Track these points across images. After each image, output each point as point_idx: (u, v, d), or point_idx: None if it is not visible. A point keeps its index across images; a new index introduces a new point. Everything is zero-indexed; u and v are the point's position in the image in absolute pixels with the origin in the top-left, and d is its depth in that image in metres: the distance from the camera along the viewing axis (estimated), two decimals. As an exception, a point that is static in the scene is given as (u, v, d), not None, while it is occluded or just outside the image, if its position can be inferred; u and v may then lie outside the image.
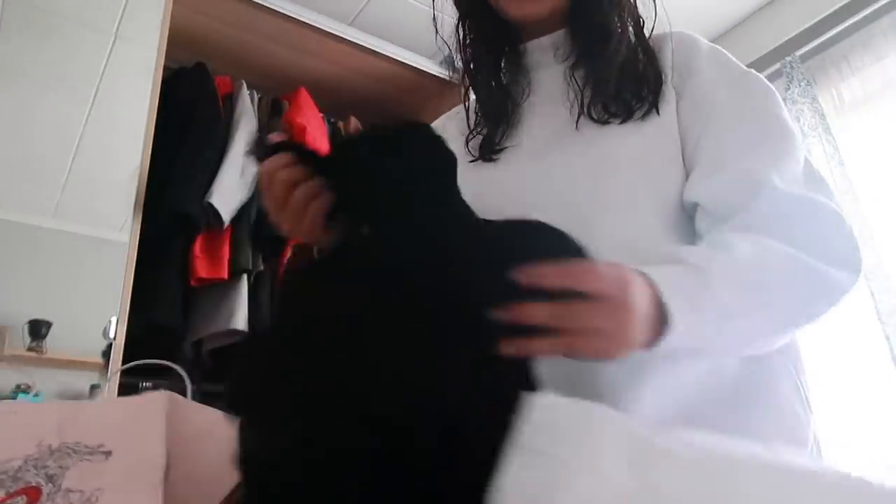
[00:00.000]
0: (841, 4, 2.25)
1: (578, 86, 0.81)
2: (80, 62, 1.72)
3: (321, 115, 2.27)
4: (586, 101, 0.80)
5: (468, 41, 0.91)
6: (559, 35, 0.86)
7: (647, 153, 0.76)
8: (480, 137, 0.87)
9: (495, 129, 0.86)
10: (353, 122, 2.34)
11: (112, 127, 1.75)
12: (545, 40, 0.86)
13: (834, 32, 2.27)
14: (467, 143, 0.87)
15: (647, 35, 0.85)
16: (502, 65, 0.91)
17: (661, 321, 0.54)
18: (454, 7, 0.92)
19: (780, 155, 0.74)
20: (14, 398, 1.35)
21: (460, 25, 0.91)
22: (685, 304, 0.55)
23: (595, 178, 0.75)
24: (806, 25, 2.34)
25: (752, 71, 0.85)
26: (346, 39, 2.13)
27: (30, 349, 1.51)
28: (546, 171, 0.79)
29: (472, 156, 0.85)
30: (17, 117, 1.58)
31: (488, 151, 0.84)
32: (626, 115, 0.77)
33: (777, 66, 2.39)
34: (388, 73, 2.23)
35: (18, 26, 1.61)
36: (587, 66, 0.82)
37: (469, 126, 0.90)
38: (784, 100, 2.30)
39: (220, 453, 0.51)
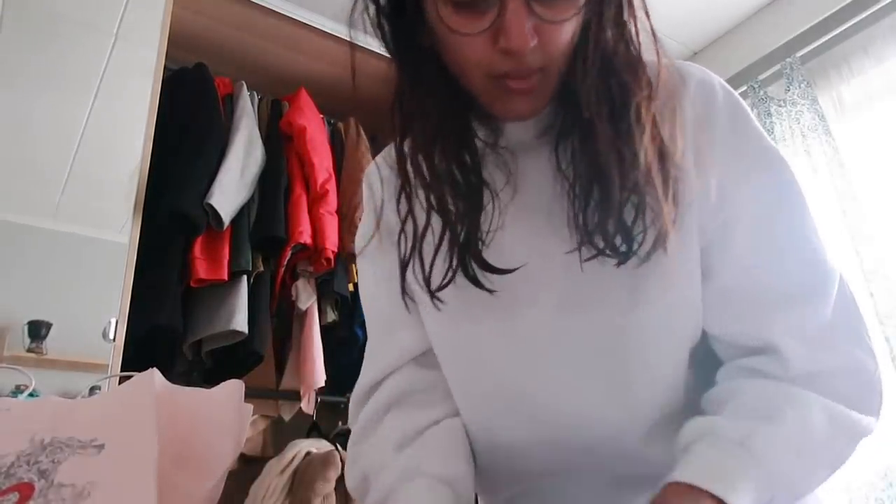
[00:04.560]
0: (842, 6, 2.25)
1: (574, 190, 0.63)
2: (81, 63, 1.72)
3: (321, 115, 2.27)
4: (590, 223, 0.62)
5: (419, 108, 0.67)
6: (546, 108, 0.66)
7: (679, 282, 0.65)
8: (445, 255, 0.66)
9: (465, 250, 0.65)
10: (354, 123, 2.34)
11: (112, 127, 1.75)
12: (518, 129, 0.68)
13: (834, 34, 2.27)
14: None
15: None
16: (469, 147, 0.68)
17: None
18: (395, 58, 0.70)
19: (807, 295, 0.65)
20: (14, 398, 1.35)
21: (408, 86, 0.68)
22: (744, 496, 0.54)
23: (624, 341, 0.65)
24: (806, 27, 2.34)
25: (772, 145, 0.70)
26: (346, 40, 2.13)
27: (29, 350, 1.51)
28: (566, 328, 0.66)
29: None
30: (16, 117, 1.58)
31: (477, 284, 0.65)
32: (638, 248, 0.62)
33: (777, 67, 2.39)
34: (389, 74, 2.22)
35: (18, 27, 1.62)
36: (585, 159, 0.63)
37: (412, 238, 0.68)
38: (784, 101, 2.32)
39: (210, 434, 0.51)
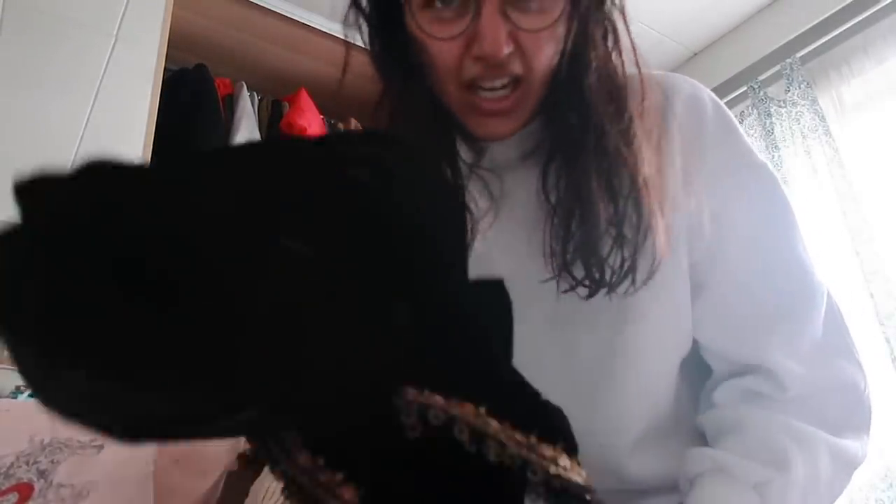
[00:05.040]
0: (842, 6, 2.25)
1: (553, 218, 0.61)
2: (81, 63, 1.72)
3: (322, 116, 2.27)
4: (568, 255, 0.60)
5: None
6: (531, 128, 0.64)
7: (668, 297, 0.64)
8: None
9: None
10: (354, 124, 2.34)
11: (112, 128, 1.75)
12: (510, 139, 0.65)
13: (835, 34, 2.27)
14: None
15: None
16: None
17: None
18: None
19: (800, 312, 0.65)
20: (14, 399, 1.35)
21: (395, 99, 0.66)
22: None
23: (613, 357, 0.65)
24: (806, 27, 2.34)
25: (762, 161, 0.70)
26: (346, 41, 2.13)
27: (29, 350, 1.51)
28: (555, 344, 0.65)
29: None
30: (17, 118, 1.58)
31: None
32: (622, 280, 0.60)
33: (777, 67, 2.40)
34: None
35: (19, 28, 1.62)
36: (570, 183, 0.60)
37: None
38: (784, 101, 2.32)
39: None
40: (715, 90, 2.69)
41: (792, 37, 2.38)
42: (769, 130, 2.35)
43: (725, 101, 2.59)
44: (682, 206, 0.63)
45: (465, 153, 0.66)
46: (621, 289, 0.59)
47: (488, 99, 0.58)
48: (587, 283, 0.59)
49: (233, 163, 0.30)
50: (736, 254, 0.65)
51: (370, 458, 0.31)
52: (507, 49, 0.55)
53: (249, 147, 0.41)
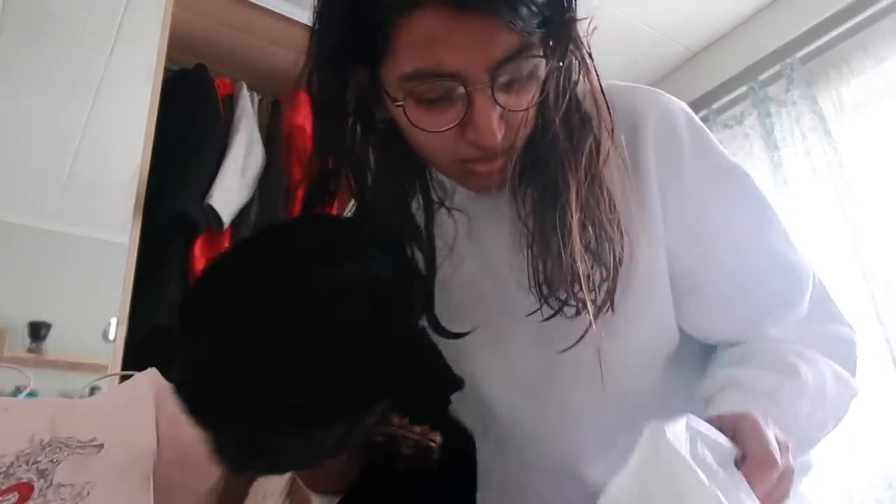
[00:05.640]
0: (842, 6, 2.25)
1: (531, 248, 0.63)
2: (81, 64, 1.72)
3: (321, 117, 2.27)
4: (550, 282, 0.63)
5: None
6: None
7: (653, 302, 0.68)
8: None
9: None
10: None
11: (112, 129, 1.75)
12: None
13: (834, 34, 2.27)
14: None
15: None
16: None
17: None
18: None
19: (788, 300, 0.71)
20: (14, 398, 1.35)
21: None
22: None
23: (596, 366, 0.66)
24: (806, 27, 2.34)
25: (735, 163, 0.73)
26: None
27: (29, 350, 1.51)
28: (544, 355, 0.69)
29: None
30: (17, 118, 1.58)
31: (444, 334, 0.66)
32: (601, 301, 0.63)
33: (777, 67, 2.39)
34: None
35: (18, 28, 1.62)
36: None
37: None
38: (784, 101, 2.32)
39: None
40: (715, 90, 2.71)
41: (792, 37, 2.38)
42: (769, 130, 2.35)
43: (725, 100, 2.59)
44: (662, 217, 0.67)
45: (436, 187, 0.70)
46: (604, 309, 0.62)
47: (481, 166, 0.62)
48: (572, 303, 0.62)
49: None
50: (723, 255, 0.69)
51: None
52: (500, 134, 0.58)
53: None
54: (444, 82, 0.56)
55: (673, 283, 0.69)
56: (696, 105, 2.65)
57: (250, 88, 2.17)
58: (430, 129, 0.59)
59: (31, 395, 1.16)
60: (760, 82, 2.44)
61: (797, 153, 2.25)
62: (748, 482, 0.48)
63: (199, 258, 1.80)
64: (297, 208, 2.02)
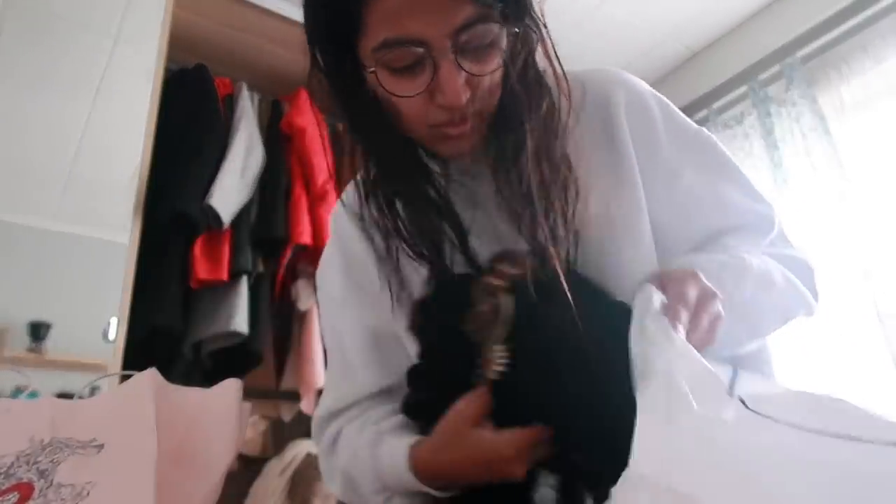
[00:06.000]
0: (842, 6, 2.25)
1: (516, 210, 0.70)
2: (81, 63, 1.72)
3: (322, 116, 2.27)
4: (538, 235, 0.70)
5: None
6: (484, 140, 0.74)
7: (640, 242, 0.74)
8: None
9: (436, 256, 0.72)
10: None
11: (112, 128, 1.75)
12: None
13: (834, 34, 2.27)
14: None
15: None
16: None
17: None
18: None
19: (757, 230, 0.80)
20: (14, 399, 1.35)
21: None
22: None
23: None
24: (806, 27, 2.34)
25: (702, 129, 0.82)
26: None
27: (29, 350, 1.51)
28: None
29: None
30: (17, 118, 1.59)
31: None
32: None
33: (777, 67, 2.40)
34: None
35: (19, 28, 1.62)
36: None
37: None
38: (784, 101, 2.32)
39: (209, 434, 0.51)
40: (715, 90, 2.71)
41: (792, 37, 2.38)
42: (769, 130, 2.35)
43: (725, 100, 2.60)
44: (641, 179, 0.75)
45: (434, 167, 0.76)
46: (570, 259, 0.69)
47: (451, 129, 0.68)
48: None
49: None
50: (695, 207, 0.78)
51: None
52: (465, 96, 0.64)
53: None
54: (410, 49, 0.62)
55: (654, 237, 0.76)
56: (696, 105, 2.65)
57: (250, 88, 2.17)
58: (401, 95, 0.65)
59: (33, 395, 1.16)
60: (760, 82, 2.45)
61: (797, 153, 2.25)
62: (669, 322, 0.53)
63: (199, 258, 1.80)
64: (296, 208, 2.02)
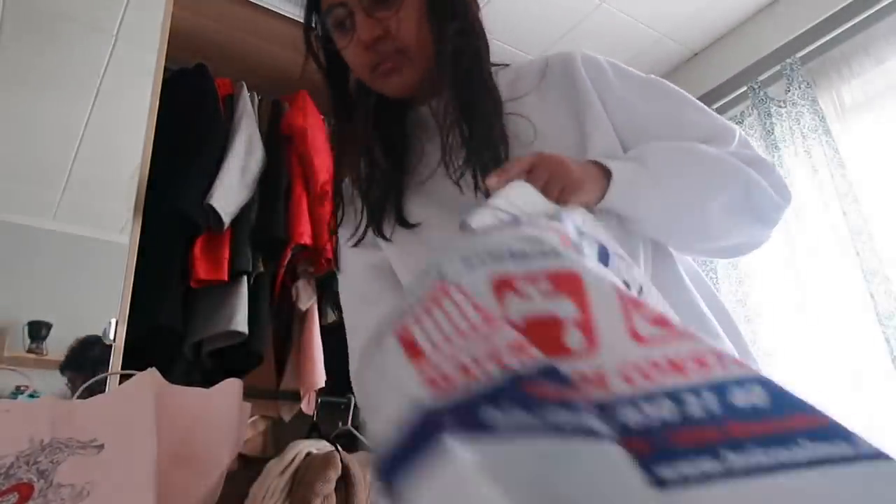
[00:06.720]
0: (842, 7, 2.25)
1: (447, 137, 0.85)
2: (81, 63, 1.72)
3: (321, 116, 2.27)
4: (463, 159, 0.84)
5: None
6: (437, 101, 0.88)
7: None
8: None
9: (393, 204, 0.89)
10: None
11: (112, 128, 1.75)
12: (423, 109, 0.91)
13: (835, 35, 2.27)
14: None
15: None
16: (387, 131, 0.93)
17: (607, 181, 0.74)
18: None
19: (719, 138, 0.88)
20: (14, 399, 1.35)
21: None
22: (623, 165, 0.75)
23: None
24: (807, 27, 2.34)
25: (649, 75, 0.94)
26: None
27: (29, 350, 1.51)
28: None
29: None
30: (17, 118, 1.59)
31: (404, 224, 0.89)
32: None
33: (777, 67, 2.40)
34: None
35: (19, 27, 1.62)
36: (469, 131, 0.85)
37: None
38: (784, 101, 2.32)
39: (209, 433, 0.51)
40: (715, 90, 2.71)
41: (792, 37, 2.38)
42: (769, 130, 2.35)
43: (725, 101, 2.60)
44: (607, 117, 0.86)
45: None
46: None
47: (382, 67, 0.85)
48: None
49: None
50: (658, 126, 0.87)
51: None
52: (373, 34, 0.82)
53: None
54: (338, 10, 0.84)
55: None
56: (696, 105, 2.65)
57: (251, 88, 2.17)
58: (343, 47, 0.87)
59: (33, 395, 1.16)
60: (760, 82, 2.45)
61: (797, 153, 2.25)
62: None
63: (199, 258, 1.79)
64: (297, 208, 2.02)
